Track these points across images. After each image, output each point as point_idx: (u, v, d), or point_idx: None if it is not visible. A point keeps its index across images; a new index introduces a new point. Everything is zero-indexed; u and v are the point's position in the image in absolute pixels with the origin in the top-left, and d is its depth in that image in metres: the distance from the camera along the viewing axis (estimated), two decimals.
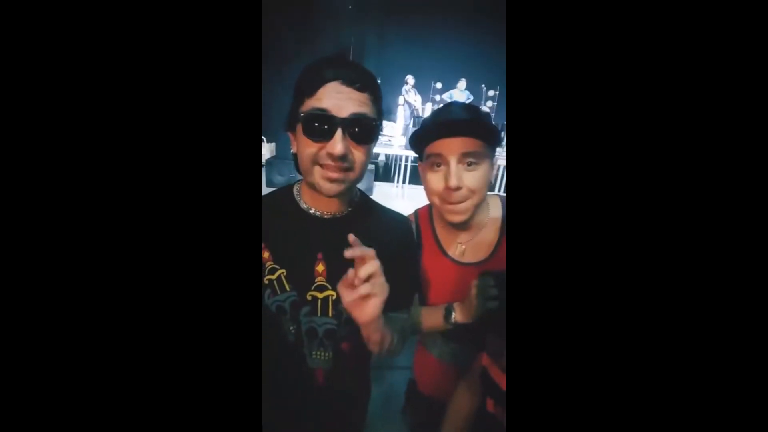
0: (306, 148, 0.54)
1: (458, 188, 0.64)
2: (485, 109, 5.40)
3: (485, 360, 0.60)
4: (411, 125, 5.29)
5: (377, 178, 4.82)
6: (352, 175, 0.56)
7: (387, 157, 5.90)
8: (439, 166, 0.66)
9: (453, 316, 0.68)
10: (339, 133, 0.52)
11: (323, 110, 0.51)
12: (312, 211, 0.62)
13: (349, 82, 0.52)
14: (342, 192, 0.56)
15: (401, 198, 4.51)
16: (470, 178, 0.65)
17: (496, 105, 5.82)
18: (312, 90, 0.52)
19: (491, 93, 5.83)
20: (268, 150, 5.12)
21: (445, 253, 0.77)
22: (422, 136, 0.68)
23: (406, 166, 4.72)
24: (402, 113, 5.46)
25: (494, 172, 0.70)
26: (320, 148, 0.53)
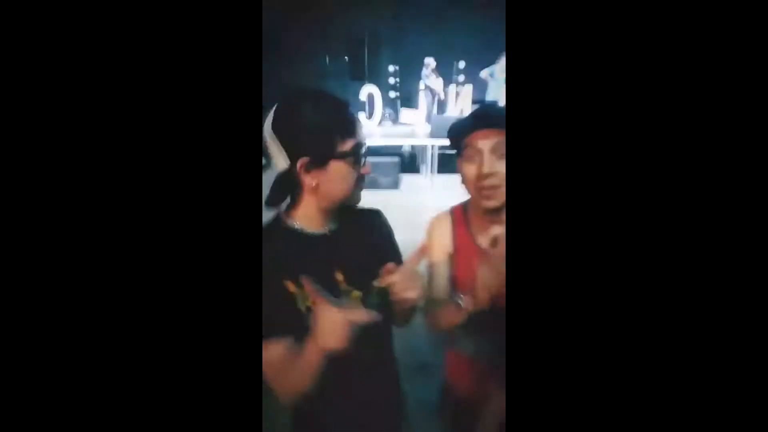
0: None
1: (490, 174, 0.75)
2: None
3: None
4: (435, 111, 5.14)
5: (403, 170, 4.72)
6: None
7: (412, 147, 5.78)
8: (473, 157, 0.77)
9: (462, 304, 0.75)
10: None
11: None
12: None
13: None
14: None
15: (431, 189, 4.39)
16: (501, 166, 0.75)
17: None
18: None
19: None
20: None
21: (476, 244, 0.85)
22: (460, 129, 0.80)
23: (432, 155, 4.58)
24: (424, 99, 5.31)
25: None
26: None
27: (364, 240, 0.76)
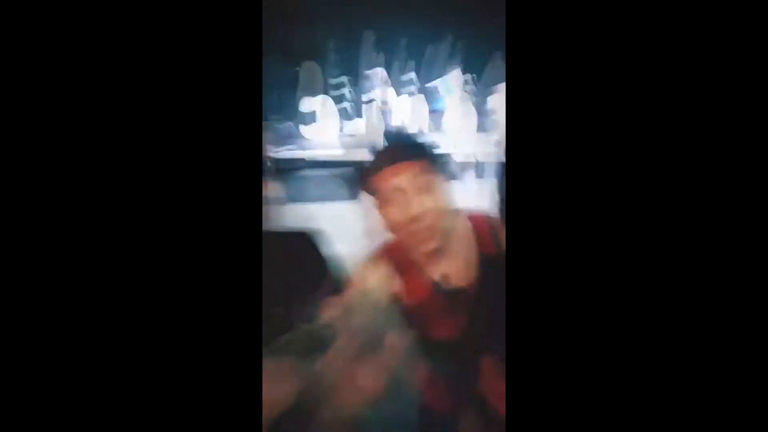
0: None
1: (422, 214, 0.63)
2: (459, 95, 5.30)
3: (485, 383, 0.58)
4: (385, 122, 5.14)
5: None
6: None
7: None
8: (392, 198, 0.66)
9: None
10: None
11: None
12: None
13: None
14: None
15: None
16: (429, 200, 0.65)
17: (475, 89, 5.71)
18: None
19: (467, 78, 5.72)
20: None
21: (427, 280, 0.73)
22: (366, 172, 0.69)
23: None
24: (373, 109, 5.29)
25: (448, 189, 0.71)
26: None
27: (292, 267, 0.68)
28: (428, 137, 0.73)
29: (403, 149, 0.68)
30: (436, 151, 0.71)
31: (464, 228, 0.76)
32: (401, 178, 0.65)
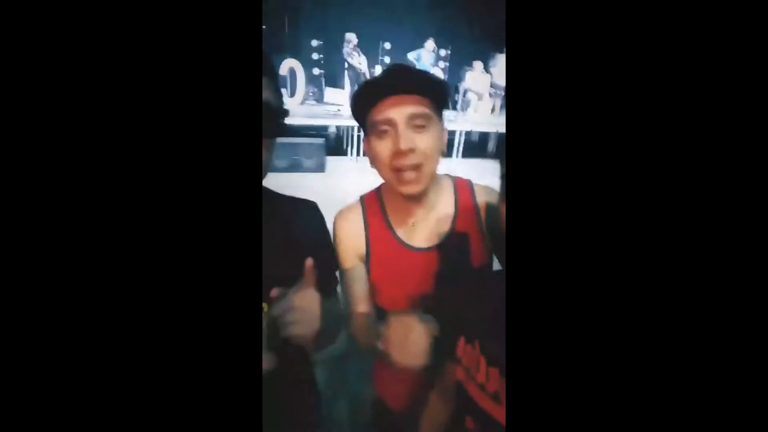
0: None
1: (411, 150, 0.60)
2: (434, 69, 5.26)
3: (460, 374, 0.54)
4: None
5: (329, 153, 4.59)
6: None
7: (338, 128, 5.65)
8: (385, 131, 0.62)
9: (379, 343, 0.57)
10: None
11: None
12: None
13: None
14: None
15: (356, 171, 4.34)
16: (421, 140, 0.61)
17: (449, 66, 5.70)
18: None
19: (443, 53, 5.68)
20: None
21: (396, 236, 0.73)
22: (364, 99, 0.63)
23: (359, 137, 4.52)
24: (348, 78, 5.18)
25: (444, 138, 0.67)
26: None
27: (297, 233, 0.65)
28: (429, 72, 0.69)
29: (405, 80, 0.61)
30: (441, 90, 0.64)
31: (447, 185, 0.75)
32: (395, 110, 0.60)
